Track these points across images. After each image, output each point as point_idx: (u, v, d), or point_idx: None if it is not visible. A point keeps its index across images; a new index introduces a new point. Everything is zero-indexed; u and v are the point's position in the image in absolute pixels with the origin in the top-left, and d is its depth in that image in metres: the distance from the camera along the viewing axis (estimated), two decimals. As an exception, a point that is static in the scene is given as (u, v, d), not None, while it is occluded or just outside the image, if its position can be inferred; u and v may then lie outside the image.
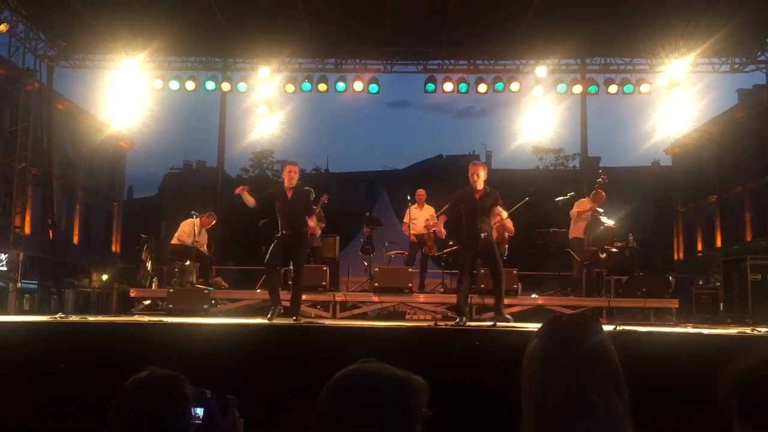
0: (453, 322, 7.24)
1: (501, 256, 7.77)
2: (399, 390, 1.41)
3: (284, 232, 7.54)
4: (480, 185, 7.39)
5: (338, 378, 1.44)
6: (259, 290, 9.85)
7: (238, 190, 7.73)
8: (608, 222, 9.88)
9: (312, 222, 8.17)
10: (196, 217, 10.50)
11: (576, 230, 10.08)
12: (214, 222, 11.27)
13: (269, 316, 7.41)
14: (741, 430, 1.49)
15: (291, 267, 7.99)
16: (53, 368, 5.13)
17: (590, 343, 1.45)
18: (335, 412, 1.38)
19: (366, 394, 1.39)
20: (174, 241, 10.67)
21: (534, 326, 1.51)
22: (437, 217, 8.40)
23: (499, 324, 6.95)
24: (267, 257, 7.60)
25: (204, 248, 10.89)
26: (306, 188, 8.08)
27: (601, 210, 9.89)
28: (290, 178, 7.62)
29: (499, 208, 7.55)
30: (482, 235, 7.29)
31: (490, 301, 9.20)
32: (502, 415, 1.85)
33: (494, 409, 3.60)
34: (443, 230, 7.87)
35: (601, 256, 9.70)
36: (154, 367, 1.92)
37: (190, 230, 10.40)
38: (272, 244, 7.62)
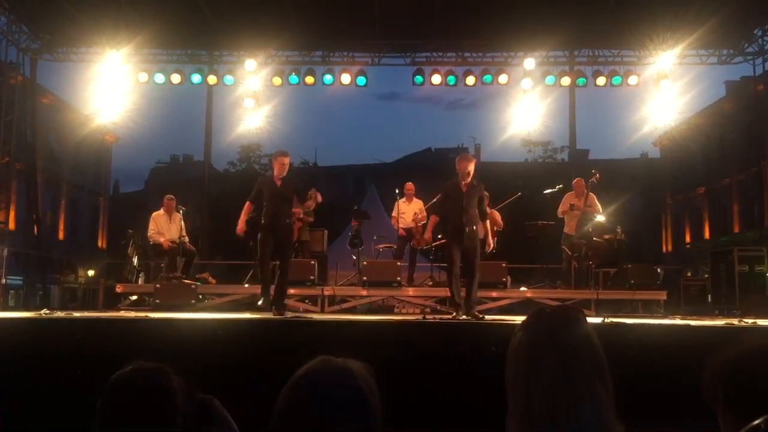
0: (450, 316, 7.23)
1: (483, 253, 7.68)
2: (358, 386, 1.39)
3: (270, 221, 7.53)
4: (469, 179, 7.40)
5: (298, 377, 1.42)
6: (246, 285, 9.79)
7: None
8: (599, 218, 9.95)
9: (302, 207, 8.20)
10: (182, 212, 10.36)
11: (567, 226, 10.20)
12: (174, 203, 10.50)
13: (260, 303, 7.56)
14: (724, 420, 1.50)
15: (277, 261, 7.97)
16: (39, 364, 5.08)
17: (575, 333, 1.44)
18: (297, 413, 1.36)
19: (326, 391, 1.37)
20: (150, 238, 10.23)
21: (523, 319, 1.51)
22: (427, 214, 8.29)
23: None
24: (260, 254, 7.61)
25: (177, 236, 10.20)
26: (294, 178, 8.13)
27: (591, 207, 9.93)
28: (281, 170, 7.66)
29: (496, 217, 7.54)
30: (466, 229, 7.30)
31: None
32: (492, 408, 1.83)
33: (484, 402, 3.59)
34: (430, 236, 7.73)
35: (588, 244, 9.73)
36: (141, 361, 1.91)
37: (154, 227, 10.15)
38: (260, 238, 7.59)
